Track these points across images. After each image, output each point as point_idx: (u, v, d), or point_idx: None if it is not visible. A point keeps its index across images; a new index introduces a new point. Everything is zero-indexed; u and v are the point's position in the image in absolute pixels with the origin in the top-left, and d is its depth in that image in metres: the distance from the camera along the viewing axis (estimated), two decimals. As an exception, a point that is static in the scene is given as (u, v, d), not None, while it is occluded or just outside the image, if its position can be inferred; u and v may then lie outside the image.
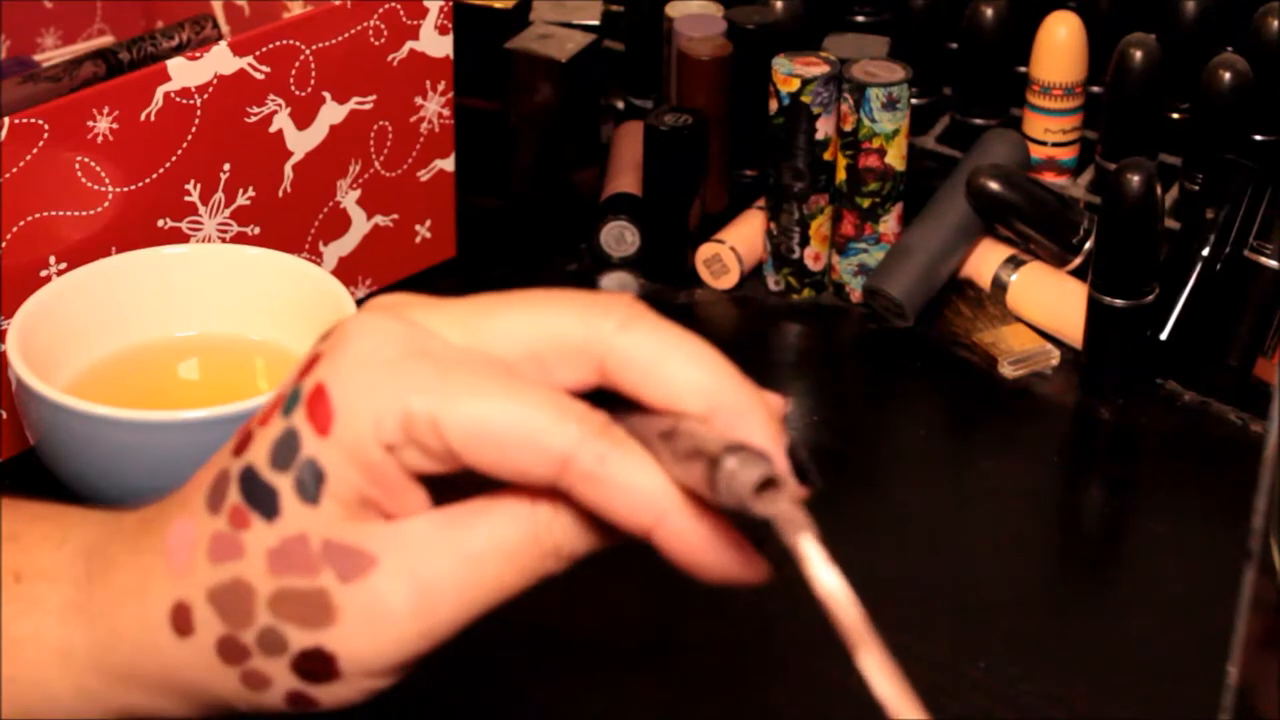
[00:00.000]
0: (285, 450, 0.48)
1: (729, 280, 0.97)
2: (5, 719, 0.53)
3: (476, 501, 0.50)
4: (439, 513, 0.49)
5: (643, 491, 0.48)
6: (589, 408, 0.49)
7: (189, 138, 0.84)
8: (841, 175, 0.94)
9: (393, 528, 0.49)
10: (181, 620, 0.50)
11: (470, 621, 0.50)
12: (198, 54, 0.83)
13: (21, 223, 0.80)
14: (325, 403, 0.48)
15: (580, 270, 0.99)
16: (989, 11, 1.06)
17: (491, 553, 0.49)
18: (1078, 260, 0.93)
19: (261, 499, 0.49)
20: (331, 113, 0.89)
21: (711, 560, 0.48)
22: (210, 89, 0.84)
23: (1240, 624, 0.57)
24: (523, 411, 0.48)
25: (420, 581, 0.48)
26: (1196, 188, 0.99)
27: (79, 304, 0.82)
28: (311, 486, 0.48)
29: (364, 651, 0.49)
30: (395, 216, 0.94)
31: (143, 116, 0.82)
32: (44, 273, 0.82)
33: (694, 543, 0.48)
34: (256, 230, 0.88)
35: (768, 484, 0.46)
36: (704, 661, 0.75)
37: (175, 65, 0.83)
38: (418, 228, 0.96)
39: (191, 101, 0.84)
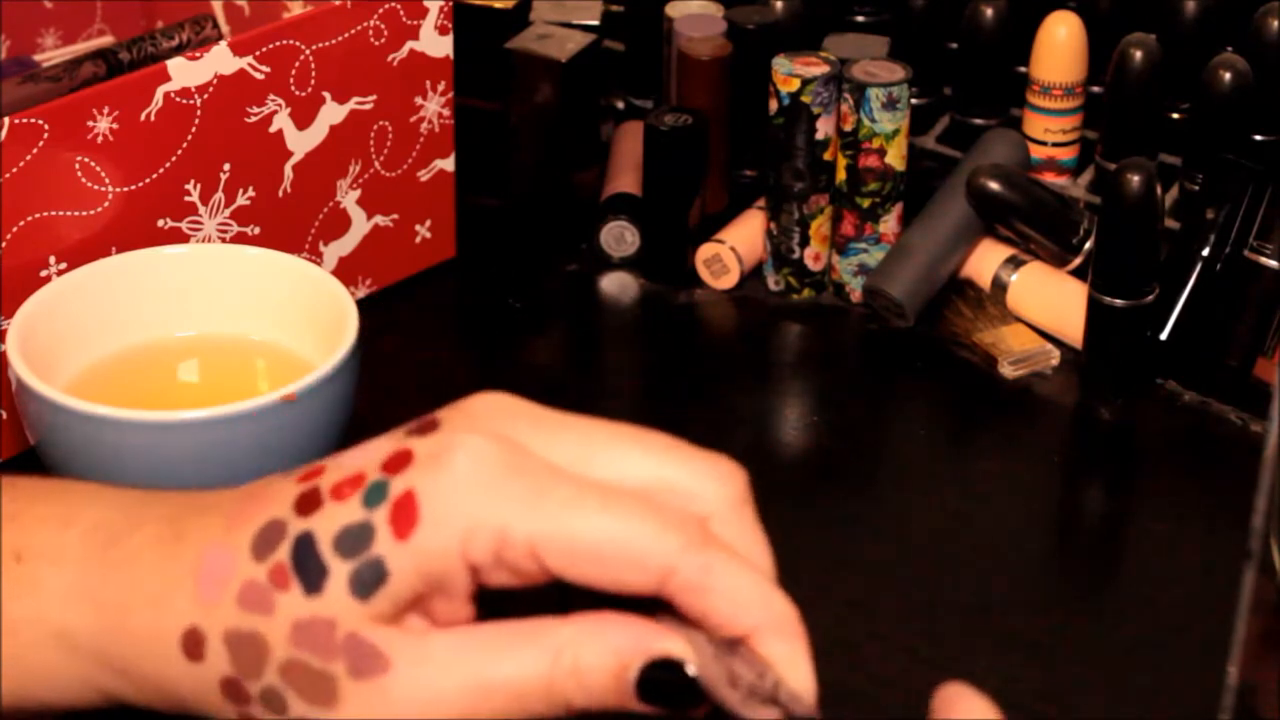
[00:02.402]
0: (355, 541, 0.49)
1: (729, 280, 0.97)
2: None
3: (503, 629, 0.50)
4: (463, 632, 0.50)
5: (746, 603, 0.50)
6: (688, 516, 0.50)
7: (189, 138, 0.84)
8: (841, 175, 0.94)
9: (416, 639, 0.49)
10: (192, 646, 0.51)
11: None
12: (198, 54, 0.83)
13: (21, 223, 0.80)
14: (413, 511, 0.48)
15: (580, 270, 0.99)
16: (989, 11, 1.06)
17: (502, 688, 0.49)
18: (1078, 260, 0.93)
19: (310, 572, 0.49)
20: (331, 113, 0.89)
21: (792, 680, 0.50)
22: (210, 89, 0.84)
23: (1240, 624, 0.57)
24: (623, 528, 0.48)
25: (425, 697, 0.49)
26: (1196, 188, 0.99)
27: (79, 304, 0.81)
28: (370, 584, 0.49)
29: None
30: (395, 216, 0.94)
31: (143, 116, 0.82)
32: (44, 273, 0.82)
33: (782, 661, 0.50)
34: (256, 230, 0.88)
35: None
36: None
37: (175, 65, 0.83)
38: (418, 228, 0.96)
39: (191, 101, 0.84)
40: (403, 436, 0.51)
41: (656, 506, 0.49)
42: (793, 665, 0.51)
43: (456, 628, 0.50)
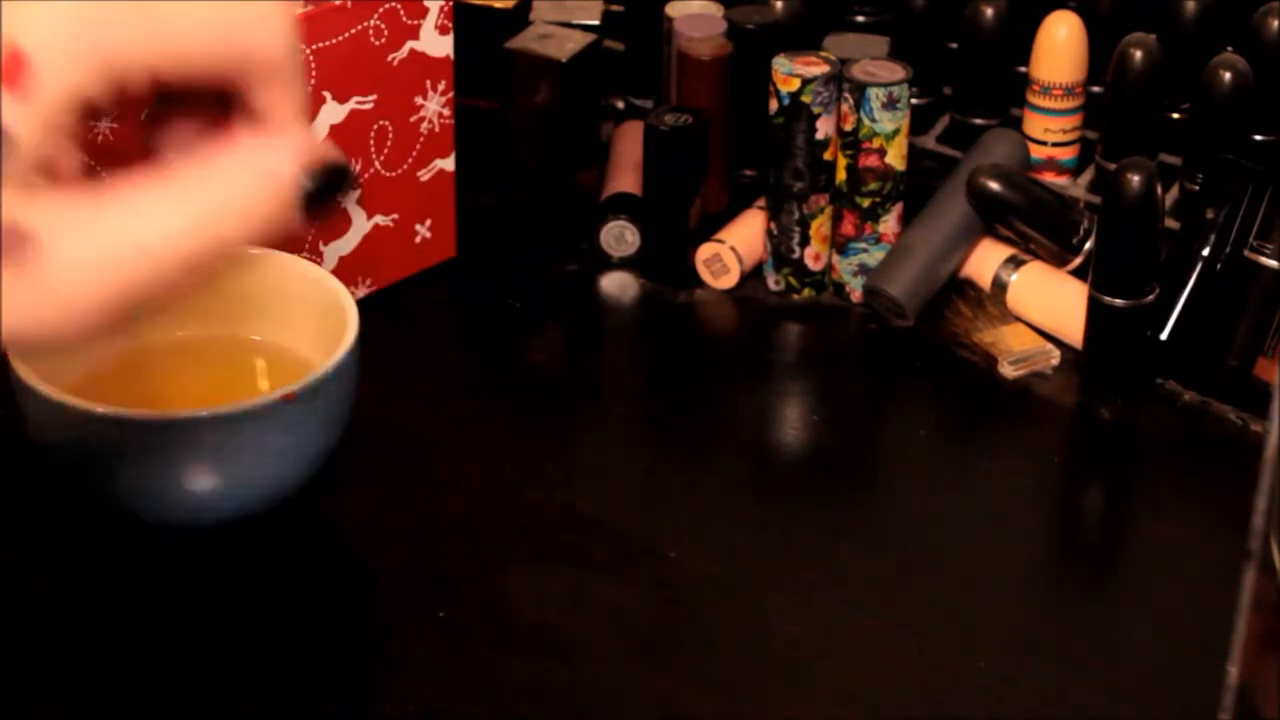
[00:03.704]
0: None
1: (729, 280, 0.97)
2: None
3: (147, 183, 0.47)
4: (103, 191, 0.46)
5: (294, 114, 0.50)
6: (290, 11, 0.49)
7: (189, 138, 0.84)
8: (841, 175, 0.94)
9: (57, 207, 0.45)
10: None
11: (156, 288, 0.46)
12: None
13: (21, 223, 0.80)
14: (22, 64, 0.43)
15: (580, 270, 0.99)
16: (989, 11, 1.06)
17: (160, 242, 0.46)
18: (1078, 260, 0.93)
19: None
20: (332, 112, 0.89)
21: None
22: (210, 89, 0.84)
23: (1240, 624, 0.57)
24: (240, 24, 0.48)
25: (83, 269, 0.45)
26: (1196, 188, 0.99)
27: (79, 304, 0.81)
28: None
29: (22, 327, 0.45)
30: (395, 216, 0.94)
31: (143, 116, 0.82)
32: (44, 273, 0.82)
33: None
34: (256, 230, 0.88)
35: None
36: (704, 661, 0.75)
37: (175, 65, 0.83)
38: (418, 228, 0.96)
39: (191, 101, 0.84)
40: None
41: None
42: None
43: (92, 188, 0.46)
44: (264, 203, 0.47)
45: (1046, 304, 0.93)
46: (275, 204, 0.47)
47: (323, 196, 0.49)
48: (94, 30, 0.44)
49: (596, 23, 1.03)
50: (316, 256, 0.91)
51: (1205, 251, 0.90)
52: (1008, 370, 0.91)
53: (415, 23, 0.91)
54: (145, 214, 0.46)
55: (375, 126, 0.91)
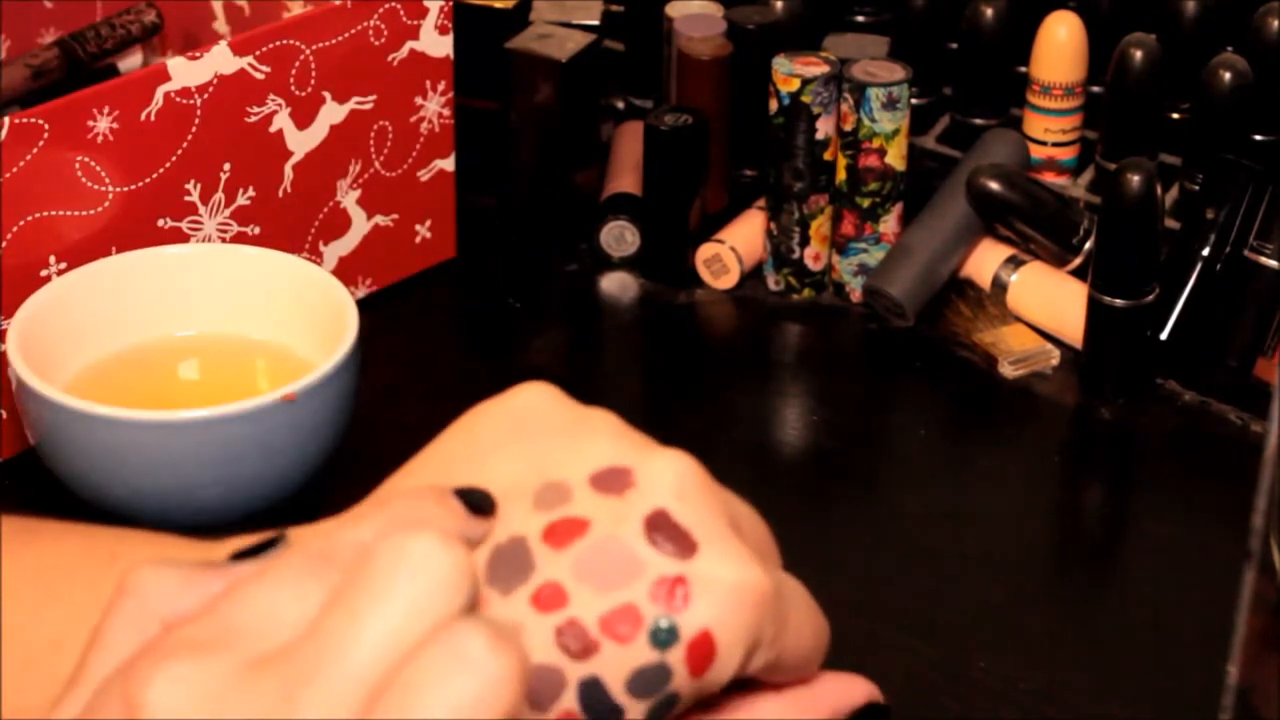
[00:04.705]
0: (651, 682, 0.49)
1: (729, 280, 0.97)
2: None
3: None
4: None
5: None
6: None
7: (189, 138, 0.84)
8: (841, 175, 0.94)
9: None
10: None
11: None
12: (198, 54, 0.83)
13: (21, 223, 0.80)
14: (710, 651, 0.49)
15: (580, 270, 0.99)
16: (989, 11, 1.06)
17: None
18: (1078, 260, 0.93)
19: (603, 715, 0.49)
20: (331, 113, 0.89)
21: None
22: (210, 89, 0.84)
23: (1240, 624, 0.57)
24: (821, 647, 0.53)
25: None
26: (1196, 188, 0.99)
27: (79, 304, 0.82)
28: (662, 714, 0.49)
29: None
30: (395, 216, 0.94)
31: (143, 116, 0.82)
32: (44, 273, 0.82)
33: None
34: (256, 230, 0.88)
35: None
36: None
37: (175, 65, 0.83)
38: (418, 228, 0.96)
39: (191, 101, 0.84)
40: (643, 543, 0.50)
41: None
42: None
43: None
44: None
45: (1046, 304, 0.93)
46: None
47: None
48: (756, 632, 0.50)
49: (596, 23, 1.03)
50: (316, 256, 0.92)
51: (1205, 251, 0.90)
52: (1008, 370, 0.91)
53: (415, 23, 0.91)
54: None
55: (375, 126, 0.91)
